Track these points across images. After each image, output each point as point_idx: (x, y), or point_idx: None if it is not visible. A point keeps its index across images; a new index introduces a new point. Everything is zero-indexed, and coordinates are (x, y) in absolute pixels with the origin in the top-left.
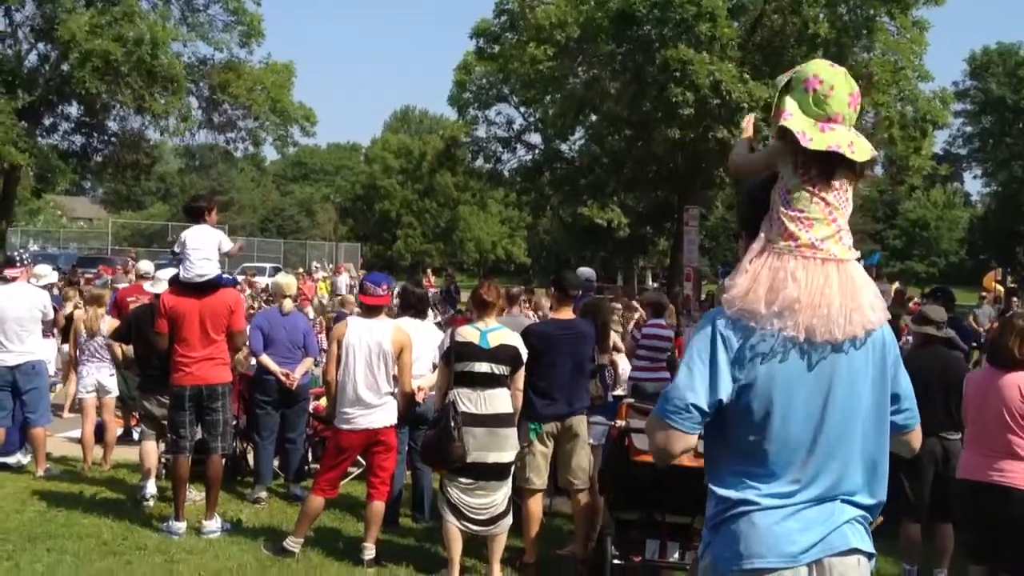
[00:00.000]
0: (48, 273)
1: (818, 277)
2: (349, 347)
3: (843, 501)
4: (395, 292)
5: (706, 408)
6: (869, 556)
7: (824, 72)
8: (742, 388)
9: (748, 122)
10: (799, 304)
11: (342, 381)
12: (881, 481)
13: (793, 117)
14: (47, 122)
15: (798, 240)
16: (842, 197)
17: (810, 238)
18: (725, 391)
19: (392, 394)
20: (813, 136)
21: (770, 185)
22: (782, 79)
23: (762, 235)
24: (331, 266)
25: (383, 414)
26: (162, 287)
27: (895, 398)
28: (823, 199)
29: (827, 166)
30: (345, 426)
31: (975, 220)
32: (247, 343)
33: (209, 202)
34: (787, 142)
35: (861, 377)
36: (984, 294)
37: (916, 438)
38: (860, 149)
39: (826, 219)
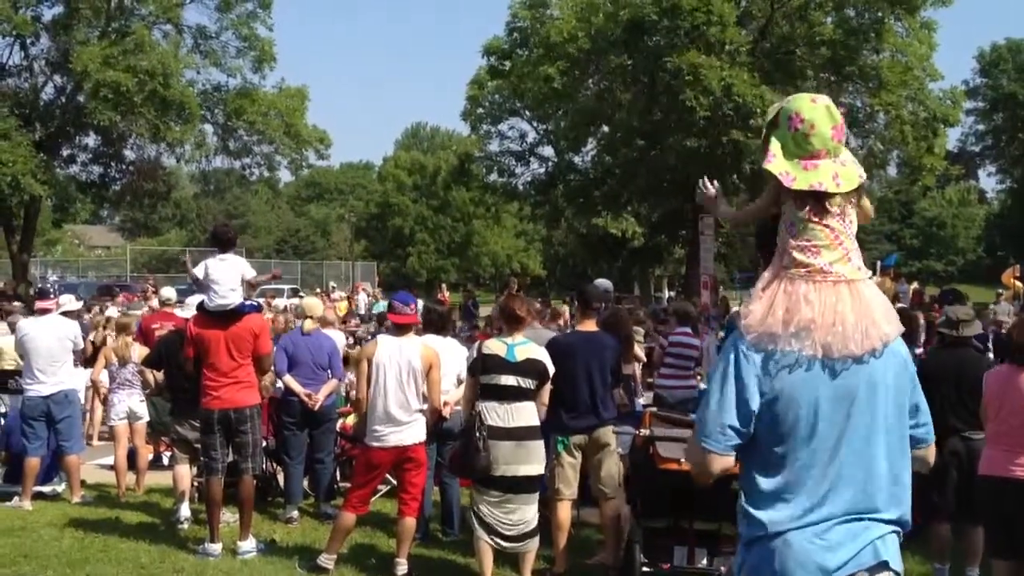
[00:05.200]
0: (71, 302)
1: (830, 297)
2: (380, 365)
3: (871, 519)
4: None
5: (739, 427)
6: (896, 574)
7: (805, 109)
8: (767, 405)
9: (707, 194)
10: (814, 324)
11: (373, 399)
12: (905, 494)
13: (776, 159)
14: (65, 153)
15: (809, 267)
16: (844, 221)
17: (819, 263)
18: (755, 408)
19: (422, 411)
20: (796, 175)
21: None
22: (770, 114)
23: (774, 262)
24: (348, 285)
25: (413, 431)
26: (191, 312)
27: (914, 410)
28: (826, 226)
29: (819, 198)
30: (376, 443)
31: (991, 217)
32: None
33: (235, 231)
34: (776, 179)
35: (881, 390)
36: (1001, 291)
37: (931, 454)
38: (847, 178)
39: (832, 244)
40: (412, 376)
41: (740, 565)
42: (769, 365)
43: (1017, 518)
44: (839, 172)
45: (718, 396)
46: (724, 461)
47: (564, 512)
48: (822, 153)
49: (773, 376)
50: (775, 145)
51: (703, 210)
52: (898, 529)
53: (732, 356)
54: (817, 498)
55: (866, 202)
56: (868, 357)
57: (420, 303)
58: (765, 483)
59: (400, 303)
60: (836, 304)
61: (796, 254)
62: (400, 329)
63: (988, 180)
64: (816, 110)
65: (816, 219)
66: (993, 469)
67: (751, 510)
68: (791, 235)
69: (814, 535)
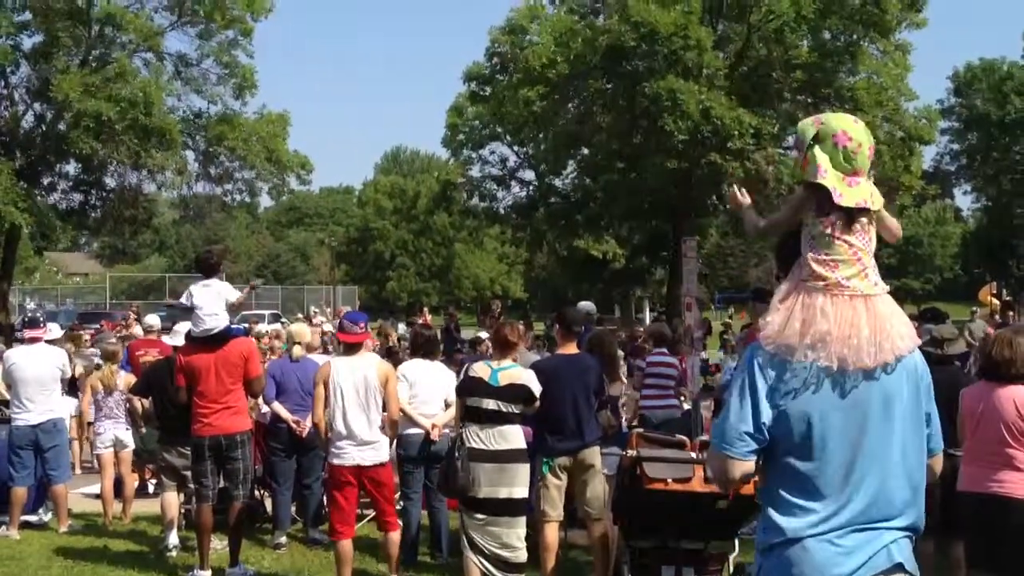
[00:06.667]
0: (55, 331)
1: (846, 311)
2: (337, 386)
3: (886, 528)
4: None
5: (755, 433)
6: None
7: (851, 128)
8: (782, 416)
9: (736, 195)
10: (830, 336)
11: (333, 420)
12: (920, 502)
13: (828, 174)
14: (45, 181)
15: (826, 280)
16: (864, 238)
17: (837, 277)
18: (768, 416)
19: (382, 428)
20: (843, 192)
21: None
22: (809, 130)
23: (793, 275)
24: (329, 310)
25: (374, 452)
26: (180, 339)
27: (927, 419)
28: (846, 241)
29: (849, 215)
30: (336, 460)
31: (967, 235)
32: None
33: (219, 256)
34: (811, 193)
35: (896, 402)
36: (975, 309)
37: (938, 463)
38: (877, 198)
39: (851, 259)
40: (370, 393)
41: (758, 570)
42: (784, 380)
43: (996, 532)
44: (872, 191)
45: (737, 406)
46: (744, 466)
47: (551, 534)
48: (862, 172)
49: (787, 391)
50: (824, 160)
51: (683, 231)
52: (911, 534)
53: (748, 369)
54: (834, 507)
55: (892, 220)
56: (880, 372)
57: (401, 326)
58: (784, 492)
59: (349, 322)
60: (852, 318)
61: (815, 267)
62: (351, 348)
63: (964, 199)
64: (860, 131)
65: (837, 234)
66: (972, 486)
67: (772, 516)
68: (811, 248)
69: (830, 541)
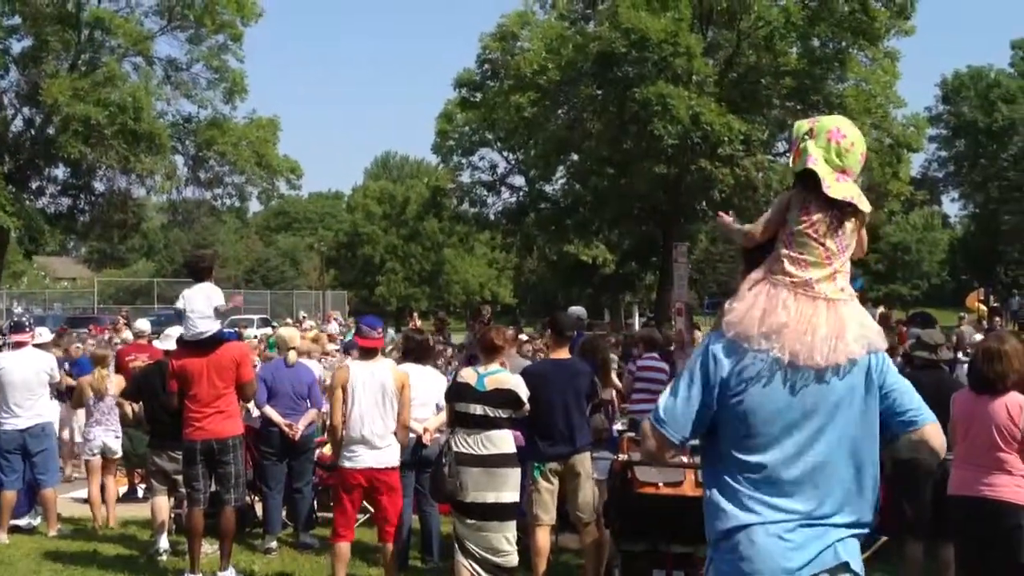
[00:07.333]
0: (44, 335)
1: (807, 308)
2: (355, 390)
3: (832, 525)
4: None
5: (697, 423)
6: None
7: (846, 128)
8: (733, 405)
9: (725, 222)
10: (787, 329)
11: (350, 424)
12: (867, 501)
13: (819, 163)
14: (34, 185)
15: (794, 278)
16: (842, 243)
17: (805, 277)
18: (713, 405)
19: (395, 433)
20: (831, 185)
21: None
22: (804, 126)
23: (765, 265)
24: (319, 314)
25: (385, 456)
26: (171, 344)
27: (894, 399)
28: (822, 244)
29: (833, 215)
30: (348, 464)
31: (955, 241)
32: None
33: (210, 260)
34: (799, 188)
35: (846, 403)
36: (963, 315)
37: (931, 433)
38: (865, 203)
39: (822, 262)
40: (387, 398)
41: (708, 563)
42: (735, 371)
43: (986, 536)
44: (860, 195)
45: (685, 392)
46: (676, 450)
47: (543, 538)
48: (851, 172)
49: (741, 380)
50: (816, 151)
51: (673, 236)
52: (859, 532)
53: (704, 355)
54: (782, 500)
55: (863, 233)
56: (831, 373)
57: (391, 332)
58: (730, 482)
59: (367, 327)
60: (812, 316)
61: (786, 263)
62: (367, 353)
63: (951, 205)
64: (854, 132)
65: (816, 235)
66: (962, 489)
67: (719, 502)
68: (787, 245)
69: (778, 535)
